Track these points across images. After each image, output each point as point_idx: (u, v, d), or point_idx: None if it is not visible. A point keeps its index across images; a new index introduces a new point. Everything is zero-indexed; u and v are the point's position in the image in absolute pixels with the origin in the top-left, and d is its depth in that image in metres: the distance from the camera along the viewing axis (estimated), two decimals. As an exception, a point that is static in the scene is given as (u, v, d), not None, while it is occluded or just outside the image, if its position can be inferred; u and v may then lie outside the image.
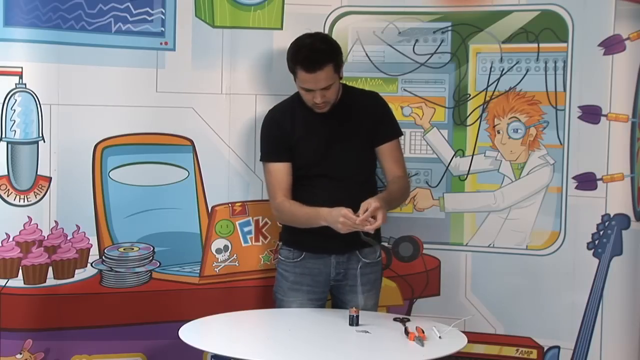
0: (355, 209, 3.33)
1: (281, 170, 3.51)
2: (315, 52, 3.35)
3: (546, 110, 3.80)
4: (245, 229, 3.86)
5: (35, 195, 3.61)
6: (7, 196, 3.59)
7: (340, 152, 3.49)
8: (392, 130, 3.58)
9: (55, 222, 3.65)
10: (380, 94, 3.64)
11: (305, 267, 3.52)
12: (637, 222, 3.73)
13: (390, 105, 3.66)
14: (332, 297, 3.64)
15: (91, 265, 3.73)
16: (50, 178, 3.63)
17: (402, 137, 3.65)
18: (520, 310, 3.84)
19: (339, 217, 3.28)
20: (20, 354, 3.62)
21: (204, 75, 3.79)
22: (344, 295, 3.55)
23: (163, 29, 3.74)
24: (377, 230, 3.38)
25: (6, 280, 3.60)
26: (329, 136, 3.49)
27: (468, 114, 3.87)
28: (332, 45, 3.43)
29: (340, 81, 3.50)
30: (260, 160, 3.59)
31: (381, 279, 3.66)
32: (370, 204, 3.27)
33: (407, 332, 3.10)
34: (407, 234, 3.92)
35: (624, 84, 3.68)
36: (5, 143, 3.58)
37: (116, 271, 3.75)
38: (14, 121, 3.58)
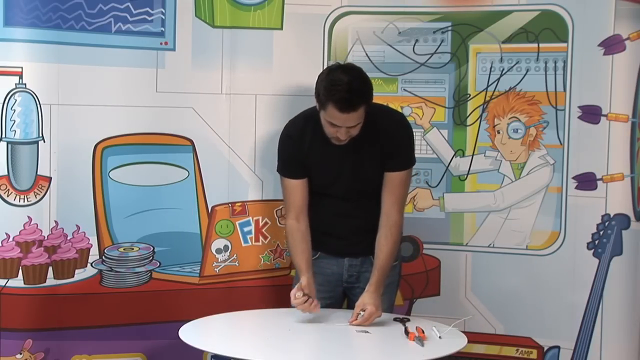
0: (364, 223, 3.38)
1: (295, 187, 3.42)
2: (352, 93, 3.16)
3: (546, 110, 3.80)
4: (245, 229, 3.87)
5: (35, 195, 3.61)
6: (7, 196, 3.59)
7: (352, 177, 3.38)
8: (402, 162, 3.39)
9: (55, 222, 3.65)
10: (380, 94, 3.62)
11: (319, 266, 3.50)
12: (637, 222, 3.72)
13: (390, 106, 3.64)
14: (347, 298, 3.62)
15: (91, 265, 3.73)
16: (50, 178, 3.63)
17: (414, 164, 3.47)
18: (520, 310, 3.84)
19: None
20: (20, 354, 3.62)
21: (204, 75, 3.79)
22: (356, 297, 3.53)
23: (163, 29, 3.74)
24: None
25: (6, 280, 3.60)
26: (343, 161, 3.38)
27: (468, 114, 3.87)
28: (367, 84, 3.23)
29: None
30: (277, 171, 3.50)
31: (397, 284, 3.59)
32: (365, 307, 3.24)
33: (407, 332, 3.10)
34: (407, 234, 3.91)
35: (624, 84, 3.68)
36: (5, 143, 3.58)
37: (116, 271, 3.75)
38: (14, 121, 3.58)
